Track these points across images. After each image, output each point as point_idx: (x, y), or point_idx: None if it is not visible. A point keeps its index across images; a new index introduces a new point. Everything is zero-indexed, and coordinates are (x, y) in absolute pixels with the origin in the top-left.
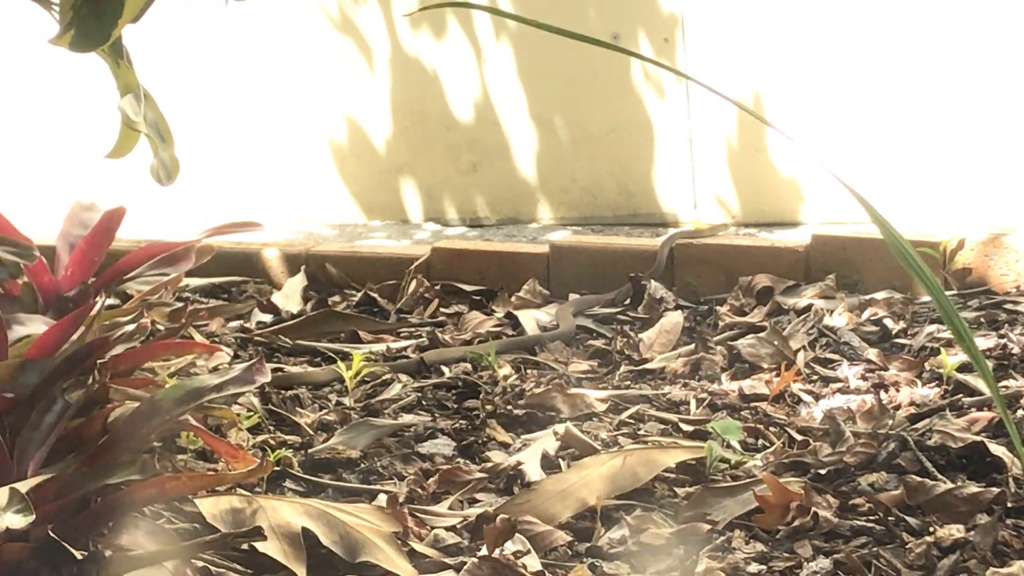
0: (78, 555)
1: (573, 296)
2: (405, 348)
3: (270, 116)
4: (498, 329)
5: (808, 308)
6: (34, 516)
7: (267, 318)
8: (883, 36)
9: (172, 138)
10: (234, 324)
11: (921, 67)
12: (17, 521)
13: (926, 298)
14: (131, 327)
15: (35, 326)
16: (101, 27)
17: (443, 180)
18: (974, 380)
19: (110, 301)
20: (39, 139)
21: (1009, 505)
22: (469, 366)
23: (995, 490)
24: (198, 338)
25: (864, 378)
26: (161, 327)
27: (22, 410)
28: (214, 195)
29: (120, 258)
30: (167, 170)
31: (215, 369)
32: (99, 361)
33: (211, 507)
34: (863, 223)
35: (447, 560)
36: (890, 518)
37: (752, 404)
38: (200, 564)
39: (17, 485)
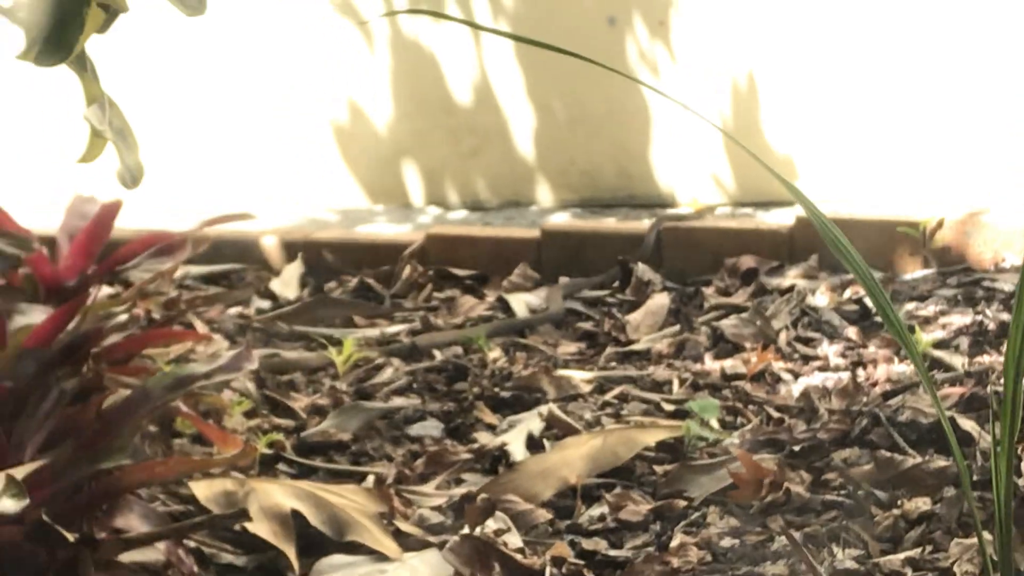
0: (71, 538)
1: (563, 279)
2: (398, 333)
3: (274, 101)
4: (489, 313)
5: (791, 288)
6: (28, 500)
7: (265, 304)
8: (879, 20)
9: (137, 144)
10: (233, 311)
11: (919, 51)
12: (11, 505)
13: (906, 277)
14: (125, 317)
15: (35, 315)
16: (64, 43)
17: (444, 164)
18: (949, 356)
19: (112, 290)
20: (34, 139)
21: (975, 478)
22: (460, 349)
23: None
24: (198, 325)
25: (844, 356)
26: (157, 316)
27: (19, 399)
28: (220, 180)
29: (120, 248)
30: (132, 175)
31: (212, 355)
32: (94, 350)
33: (204, 490)
34: (856, 201)
35: (430, 538)
36: (860, 492)
37: (733, 383)
38: (192, 545)
39: (12, 471)
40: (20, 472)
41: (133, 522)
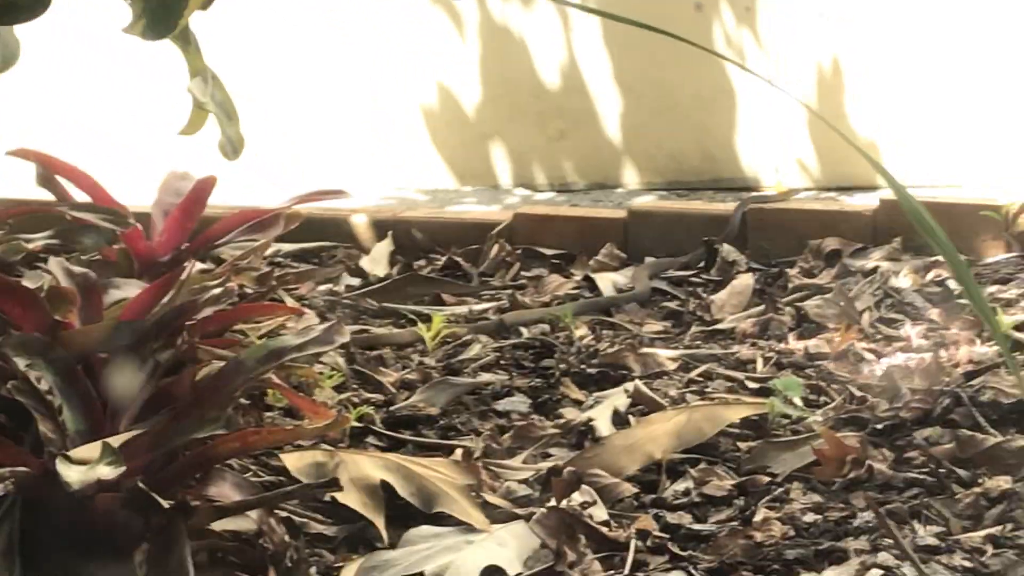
0: (166, 504)
1: (649, 259)
2: (486, 310)
3: (364, 86)
4: (576, 291)
5: (874, 270)
6: (124, 468)
7: (355, 282)
8: (960, 6)
9: (237, 116)
10: (323, 288)
11: (1000, 35)
12: (108, 472)
13: (988, 260)
14: (218, 291)
15: (130, 290)
16: (168, 17)
17: (532, 147)
18: None
19: (204, 265)
20: (134, 116)
21: None
22: (547, 327)
23: None
24: (289, 301)
25: (926, 337)
26: (250, 290)
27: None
28: (313, 165)
29: (213, 224)
30: (233, 145)
31: (304, 330)
32: (188, 323)
33: (295, 461)
34: (938, 186)
35: (517, 511)
36: (942, 470)
37: (816, 363)
38: (283, 514)
39: (109, 440)
40: (117, 441)
41: (226, 491)
